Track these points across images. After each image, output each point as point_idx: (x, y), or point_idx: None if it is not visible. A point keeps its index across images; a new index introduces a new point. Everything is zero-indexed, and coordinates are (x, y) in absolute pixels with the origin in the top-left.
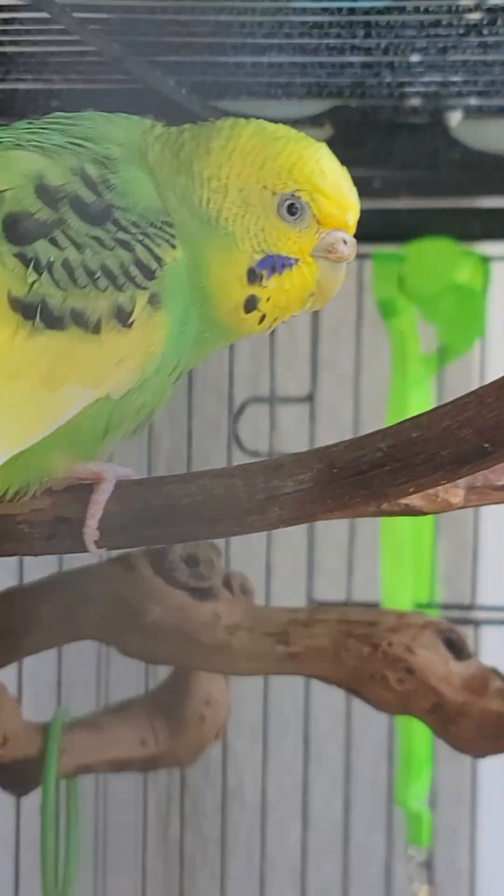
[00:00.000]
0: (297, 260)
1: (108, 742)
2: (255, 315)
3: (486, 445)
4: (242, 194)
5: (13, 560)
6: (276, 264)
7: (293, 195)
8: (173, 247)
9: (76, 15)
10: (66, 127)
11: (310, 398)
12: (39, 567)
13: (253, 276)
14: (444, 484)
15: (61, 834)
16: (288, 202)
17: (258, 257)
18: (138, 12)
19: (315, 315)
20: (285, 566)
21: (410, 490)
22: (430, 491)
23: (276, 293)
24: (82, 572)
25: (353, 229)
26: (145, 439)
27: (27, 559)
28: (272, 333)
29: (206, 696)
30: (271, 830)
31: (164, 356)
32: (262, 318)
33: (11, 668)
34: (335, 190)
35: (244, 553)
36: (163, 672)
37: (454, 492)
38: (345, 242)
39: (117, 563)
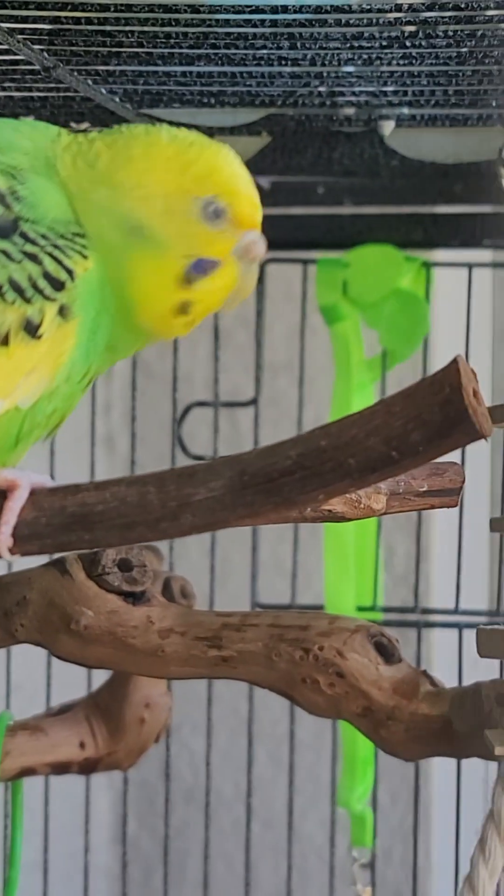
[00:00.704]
0: (220, 261)
1: (48, 745)
2: (186, 318)
3: (394, 454)
4: (166, 201)
5: None
6: (205, 267)
7: (213, 199)
8: (84, 257)
9: (5, 25)
10: None
11: (254, 402)
12: None
13: (185, 281)
14: (354, 491)
15: (6, 836)
16: (209, 206)
17: (188, 262)
18: (66, 22)
19: (259, 320)
20: (230, 569)
21: (321, 497)
22: (353, 497)
23: (206, 295)
24: (18, 576)
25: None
26: (101, 442)
27: None
28: (216, 338)
29: (145, 698)
30: (222, 830)
31: (73, 364)
32: (192, 321)
33: None
34: (249, 192)
35: (189, 555)
36: (109, 674)
37: (376, 498)
38: (257, 242)
39: (52, 567)
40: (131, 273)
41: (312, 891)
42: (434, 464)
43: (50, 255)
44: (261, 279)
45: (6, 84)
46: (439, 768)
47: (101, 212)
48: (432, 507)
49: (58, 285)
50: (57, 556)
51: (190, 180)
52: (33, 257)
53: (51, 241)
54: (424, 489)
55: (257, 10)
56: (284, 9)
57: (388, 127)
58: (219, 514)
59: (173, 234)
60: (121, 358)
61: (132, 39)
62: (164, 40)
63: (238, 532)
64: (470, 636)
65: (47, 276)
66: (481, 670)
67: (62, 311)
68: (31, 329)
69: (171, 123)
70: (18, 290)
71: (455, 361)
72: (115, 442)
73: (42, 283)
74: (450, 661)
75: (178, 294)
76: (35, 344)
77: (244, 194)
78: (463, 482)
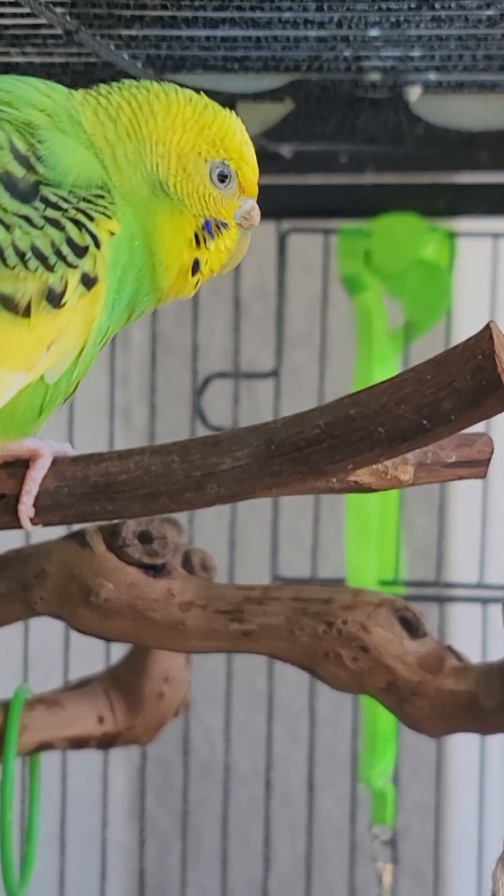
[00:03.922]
0: (227, 224)
1: (66, 719)
2: (196, 278)
3: (425, 422)
4: (183, 160)
5: None
6: (215, 228)
7: (223, 163)
8: (109, 218)
9: None
10: None
11: (275, 374)
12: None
13: (198, 240)
14: (383, 461)
15: (24, 810)
16: (219, 169)
17: (201, 221)
18: None
19: (281, 290)
20: (250, 542)
21: (349, 467)
22: (380, 468)
23: (213, 256)
24: (38, 548)
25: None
26: (119, 414)
27: None
28: (238, 309)
29: (164, 672)
30: (239, 807)
31: (98, 331)
32: (198, 282)
33: None
34: (254, 160)
35: (209, 528)
36: (128, 648)
37: (404, 469)
38: (255, 210)
39: (72, 540)
40: (156, 228)
41: (332, 868)
42: (463, 434)
43: (73, 220)
44: (281, 249)
45: (27, 49)
46: (461, 744)
47: (128, 166)
48: (461, 477)
49: (81, 252)
50: (76, 528)
51: (205, 142)
52: (55, 223)
53: (73, 204)
54: (453, 460)
55: None
56: None
57: (414, 93)
58: (245, 484)
59: (190, 192)
60: (135, 320)
61: (155, 2)
62: (187, 3)
63: (257, 505)
64: (494, 610)
65: (70, 242)
66: None
67: (86, 279)
68: (54, 298)
69: (194, 89)
70: (41, 258)
71: (488, 328)
72: (132, 414)
73: (65, 250)
74: (472, 635)
75: (193, 252)
76: (58, 314)
77: (251, 162)
78: (492, 453)
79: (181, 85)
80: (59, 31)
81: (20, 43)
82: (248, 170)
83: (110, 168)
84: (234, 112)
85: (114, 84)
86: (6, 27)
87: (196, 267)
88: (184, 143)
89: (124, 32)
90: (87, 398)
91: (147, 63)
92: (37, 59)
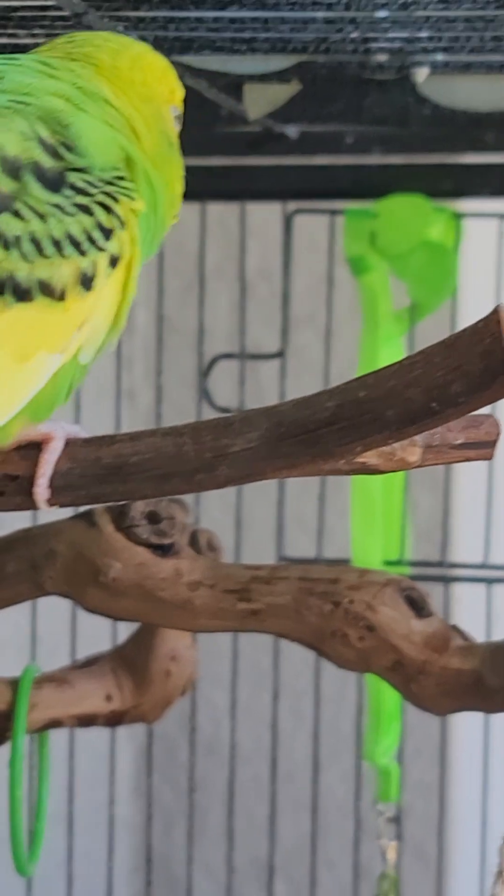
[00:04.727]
0: None
1: (74, 697)
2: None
3: (434, 405)
4: (161, 108)
5: None
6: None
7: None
8: (132, 199)
9: None
10: None
11: (280, 354)
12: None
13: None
14: (391, 444)
15: (33, 788)
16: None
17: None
18: None
19: (287, 271)
20: (256, 522)
21: (358, 449)
22: (387, 449)
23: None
24: (47, 528)
25: None
26: (125, 396)
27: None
28: (244, 290)
29: (172, 651)
30: (244, 784)
31: (126, 306)
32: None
33: None
34: (181, 86)
35: (215, 509)
36: (134, 627)
37: (411, 450)
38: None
39: (80, 520)
40: (173, 178)
41: (336, 845)
42: (470, 416)
43: (100, 203)
44: (287, 230)
45: (35, 31)
46: (465, 722)
47: (153, 124)
48: (468, 459)
49: (109, 234)
50: (83, 508)
51: (167, 91)
52: (85, 208)
53: (100, 188)
54: (460, 441)
55: None
56: None
57: (421, 74)
58: (255, 465)
59: (174, 137)
60: None
61: None
62: None
63: (262, 486)
64: (498, 590)
65: (99, 226)
66: None
67: (114, 260)
68: (87, 281)
69: (201, 70)
70: (74, 244)
71: (496, 311)
72: (138, 396)
73: (96, 234)
74: (476, 615)
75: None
76: (89, 295)
77: (180, 88)
78: (499, 434)
79: (189, 66)
80: (67, 13)
81: (28, 25)
82: (180, 93)
83: (139, 130)
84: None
85: (79, 38)
86: (14, 9)
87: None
88: (157, 93)
89: (132, 14)
90: (92, 381)
91: (155, 44)
92: (44, 41)
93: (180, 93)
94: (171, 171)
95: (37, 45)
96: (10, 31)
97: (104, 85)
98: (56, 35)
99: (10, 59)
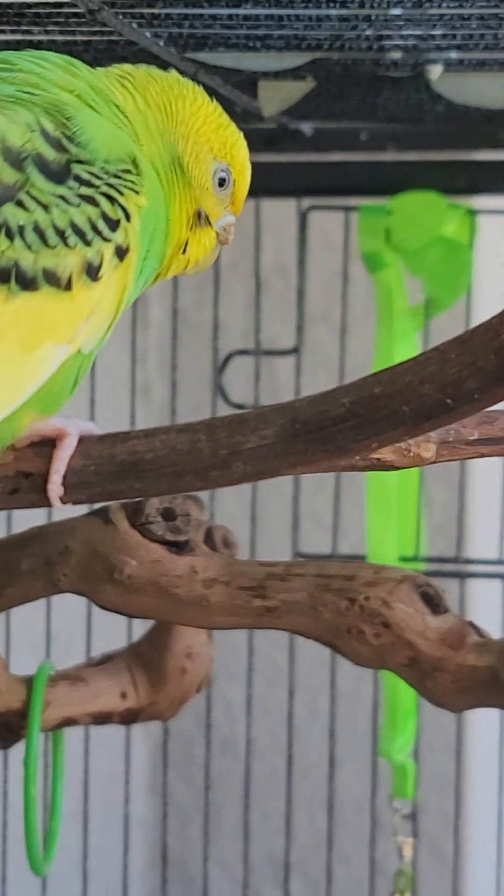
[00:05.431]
0: (211, 224)
1: (89, 695)
2: (184, 259)
3: (449, 401)
4: (196, 147)
5: (1, 514)
6: (204, 220)
7: (227, 168)
8: (137, 193)
9: None
10: (7, 74)
11: (295, 351)
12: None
13: (192, 221)
14: (406, 440)
15: (48, 787)
16: (222, 172)
17: (196, 206)
18: None
19: (302, 267)
20: (272, 518)
21: (373, 446)
22: (402, 445)
23: (195, 244)
24: (61, 525)
25: None
26: (139, 391)
27: (15, 513)
28: (259, 286)
29: (187, 648)
30: (260, 781)
31: (127, 299)
32: (182, 265)
33: (0, 622)
34: (248, 180)
35: (230, 505)
36: (149, 624)
37: (426, 446)
38: (233, 228)
39: (95, 517)
40: (172, 196)
41: (352, 842)
42: (485, 412)
43: (105, 194)
44: (302, 226)
45: (49, 27)
46: (481, 719)
47: (157, 132)
48: (482, 455)
49: (114, 225)
50: (98, 505)
51: (218, 142)
52: (90, 199)
53: (104, 180)
54: (475, 437)
55: None
56: None
57: (435, 71)
58: (270, 462)
59: (196, 177)
60: (147, 287)
61: None
62: None
63: (277, 482)
64: None
65: (104, 216)
66: None
67: (119, 251)
68: (92, 271)
69: (215, 67)
70: (79, 234)
71: None
72: (153, 391)
73: (101, 225)
74: (492, 611)
75: (186, 232)
76: (95, 286)
77: (247, 180)
78: None
79: (203, 64)
80: (81, 10)
81: (42, 22)
82: (243, 185)
83: (142, 134)
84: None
85: (125, 65)
86: (29, 6)
87: (185, 247)
88: (201, 133)
89: (147, 11)
90: (107, 376)
91: (169, 41)
92: (59, 38)
93: (235, 158)
94: (173, 190)
95: (51, 42)
96: (24, 27)
97: (117, 86)
98: (70, 32)
99: (38, 55)
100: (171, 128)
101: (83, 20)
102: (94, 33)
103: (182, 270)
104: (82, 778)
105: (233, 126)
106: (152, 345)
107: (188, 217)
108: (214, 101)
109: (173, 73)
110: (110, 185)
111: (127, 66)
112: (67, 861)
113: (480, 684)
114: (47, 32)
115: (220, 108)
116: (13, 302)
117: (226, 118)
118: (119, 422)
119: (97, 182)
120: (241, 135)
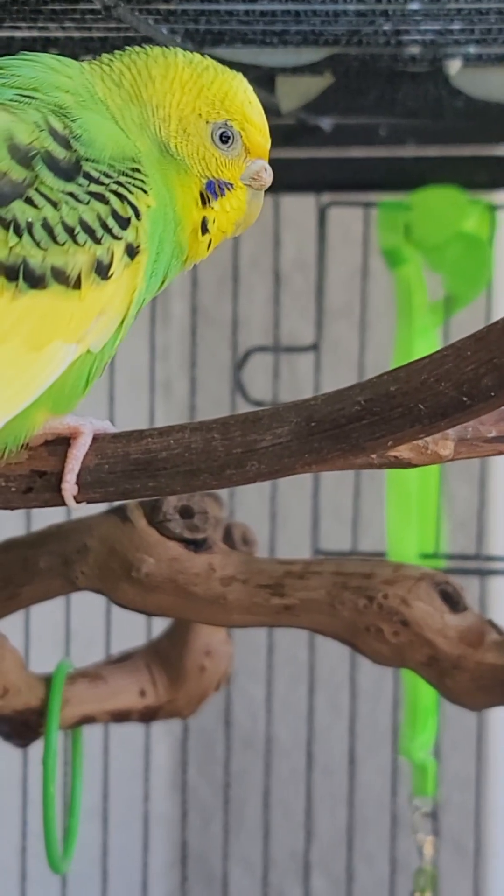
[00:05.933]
0: (232, 185)
1: (108, 693)
2: (206, 238)
3: (465, 399)
4: (182, 123)
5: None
6: (218, 188)
7: (226, 124)
8: (146, 192)
9: None
10: (4, 80)
11: (315, 347)
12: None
13: (203, 199)
14: (422, 437)
15: (66, 784)
16: (221, 130)
17: (204, 181)
18: None
19: (322, 263)
20: (291, 516)
21: (389, 444)
22: (420, 443)
23: (220, 215)
24: (79, 523)
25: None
26: (159, 387)
27: (34, 511)
28: (278, 282)
29: (206, 646)
30: (281, 778)
31: (138, 298)
32: (210, 243)
33: (20, 620)
34: (261, 120)
35: (250, 502)
36: (169, 622)
37: (444, 444)
38: (266, 170)
39: (113, 515)
40: (173, 186)
41: (373, 839)
42: (503, 409)
43: (115, 192)
44: (322, 222)
45: (66, 24)
46: (502, 717)
47: (137, 129)
48: (500, 452)
49: (124, 223)
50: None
51: (205, 104)
52: (99, 197)
53: (113, 178)
54: (493, 435)
55: None
56: None
57: (454, 66)
58: (285, 461)
59: (191, 153)
60: (165, 286)
61: None
62: None
63: (297, 479)
64: None
65: (115, 214)
66: None
67: (130, 249)
68: (102, 270)
69: (233, 63)
70: (89, 231)
71: None
72: (172, 387)
73: (111, 223)
74: None
75: (200, 212)
76: (105, 284)
77: (255, 122)
78: None
79: (220, 60)
80: (97, 6)
81: (59, 18)
82: (254, 130)
83: (129, 131)
84: (240, 74)
85: (116, 51)
86: (45, 2)
87: (204, 226)
88: (183, 105)
89: (163, 7)
90: (127, 372)
91: (186, 37)
92: (76, 34)
93: (231, 110)
94: (172, 181)
95: (68, 38)
96: (41, 24)
97: (99, 83)
98: (87, 29)
99: (33, 57)
100: (148, 118)
101: (99, 16)
102: (111, 30)
103: (225, 237)
104: (102, 775)
105: (220, 76)
106: (174, 341)
107: (195, 199)
108: (195, 59)
109: (146, 49)
110: (119, 184)
111: (107, 56)
112: (87, 859)
113: (499, 683)
114: (64, 29)
115: (199, 66)
116: (21, 300)
117: (209, 73)
118: (139, 418)
119: (106, 180)
120: (234, 79)
